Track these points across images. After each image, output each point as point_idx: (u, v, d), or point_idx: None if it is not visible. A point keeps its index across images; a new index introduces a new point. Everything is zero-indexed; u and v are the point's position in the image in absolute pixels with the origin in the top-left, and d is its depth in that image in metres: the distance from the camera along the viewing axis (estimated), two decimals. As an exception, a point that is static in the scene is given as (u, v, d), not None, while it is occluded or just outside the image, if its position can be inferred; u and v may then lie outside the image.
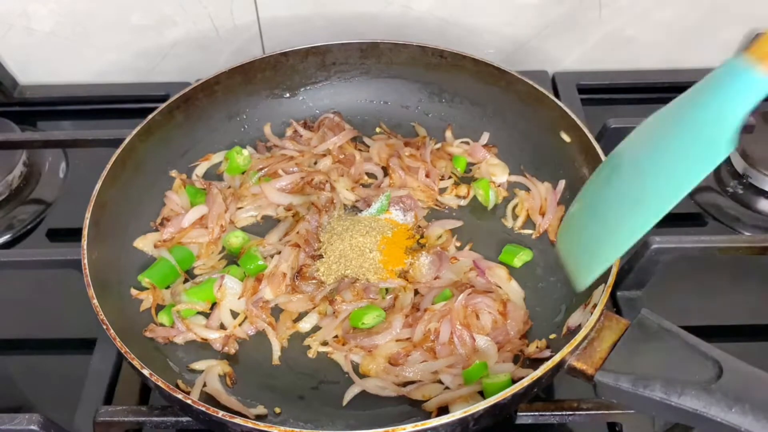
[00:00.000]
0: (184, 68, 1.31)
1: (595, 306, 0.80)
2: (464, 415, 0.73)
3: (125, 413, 0.85)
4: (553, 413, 0.84)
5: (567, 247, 0.82)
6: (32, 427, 0.77)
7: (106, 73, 1.33)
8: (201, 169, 1.13)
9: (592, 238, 0.77)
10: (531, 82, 1.08)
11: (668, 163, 0.70)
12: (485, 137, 1.14)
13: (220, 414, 0.74)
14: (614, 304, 0.98)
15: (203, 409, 0.75)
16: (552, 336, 0.91)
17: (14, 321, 1.03)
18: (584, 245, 0.78)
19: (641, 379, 0.73)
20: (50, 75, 1.34)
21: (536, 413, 0.84)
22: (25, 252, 1.07)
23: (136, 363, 0.79)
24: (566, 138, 1.04)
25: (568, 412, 0.83)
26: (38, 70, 1.34)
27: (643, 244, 0.94)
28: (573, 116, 1.02)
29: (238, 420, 0.73)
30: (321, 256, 1.00)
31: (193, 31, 1.28)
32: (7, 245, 1.13)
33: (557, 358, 0.76)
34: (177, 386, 0.83)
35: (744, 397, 0.69)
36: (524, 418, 0.84)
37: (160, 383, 0.77)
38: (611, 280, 0.83)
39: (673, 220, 1.14)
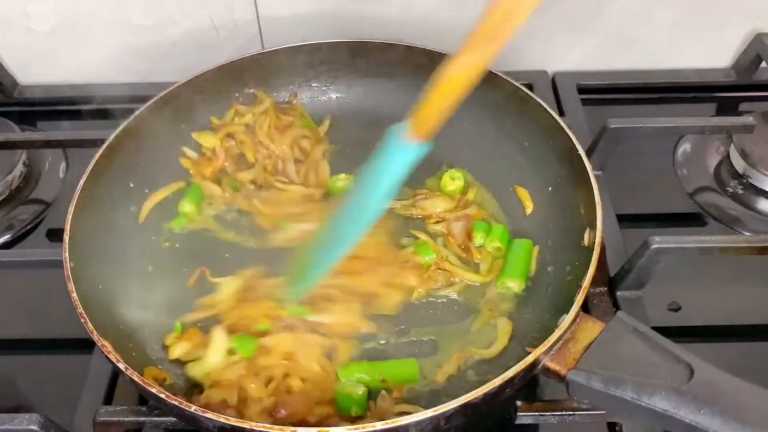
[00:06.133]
0: (184, 68, 1.30)
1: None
2: (434, 413, 0.72)
3: (125, 413, 0.85)
4: (553, 413, 0.84)
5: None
6: (32, 427, 0.77)
7: (107, 73, 1.33)
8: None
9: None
10: (516, 83, 1.06)
11: (341, 220, 0.86)
12: None
13: (231, 420, 0.72)
14: (614, 304, 0.98)
15: (200, 412, 0.73)
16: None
17: (14, 321, 1.03)
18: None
19: (613, 379, 0.73)
20: (50, 75, 1.34)
21: (536, 413, 0.84)
22: (25, 252, 1.07)
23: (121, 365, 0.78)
24: (551, 139, 1.02)
25: (568, 412, 0.83)
26: (38, 70, 1.34)
27: (643, 244, 0.94)
28: (556, 117, 1.00)
29: (235, 421, 0.72)
30: None
31: (193, 31, 1.28)
32: (7, 245, 1.13)
33: (530, 358, 0.76)
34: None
35: (713, 399, 0.69)
36: (524, 418, 0.84)
37: (157, 390, 0.76)
38: (587, 282, 0.82)
39: (673, 220, 1.15)
